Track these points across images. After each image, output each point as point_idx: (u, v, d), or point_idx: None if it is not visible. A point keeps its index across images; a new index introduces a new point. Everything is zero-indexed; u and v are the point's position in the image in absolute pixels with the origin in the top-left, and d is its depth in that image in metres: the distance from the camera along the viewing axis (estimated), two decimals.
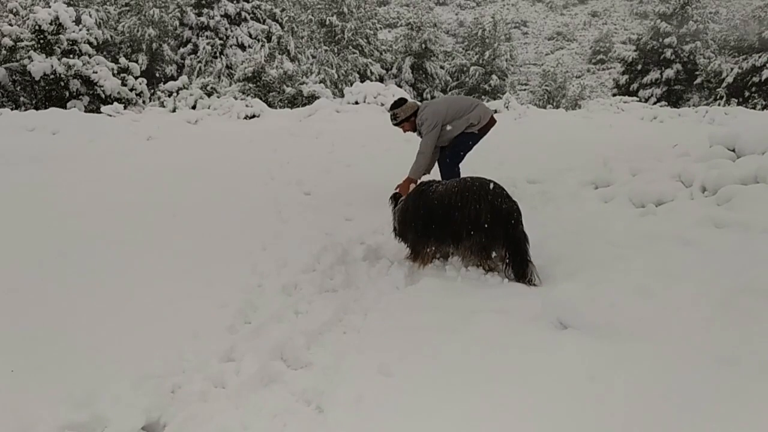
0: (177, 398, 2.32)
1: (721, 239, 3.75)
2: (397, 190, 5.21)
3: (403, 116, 5.49)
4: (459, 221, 3.54)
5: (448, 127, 5.42)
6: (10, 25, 18.90)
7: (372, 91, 15.09)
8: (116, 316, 3.00)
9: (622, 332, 2.40)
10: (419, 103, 5.61)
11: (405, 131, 5.69)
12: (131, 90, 19.67)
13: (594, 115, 16.34)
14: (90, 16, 20.98)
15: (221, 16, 29.25)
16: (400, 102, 5.61)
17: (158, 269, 3.69)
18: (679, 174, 5.29)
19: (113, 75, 19.25)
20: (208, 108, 15.45)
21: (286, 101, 19.98)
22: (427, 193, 3.82)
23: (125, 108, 16.53)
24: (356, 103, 14.77)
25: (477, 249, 3.52)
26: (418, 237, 3.78)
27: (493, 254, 3.53)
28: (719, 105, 24.16)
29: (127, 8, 28.79)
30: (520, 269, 3.45)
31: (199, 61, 27.85)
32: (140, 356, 2.55)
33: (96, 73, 18.82)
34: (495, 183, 3.68)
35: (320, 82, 23.50)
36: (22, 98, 19.25)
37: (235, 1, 29.53)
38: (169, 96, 18.30)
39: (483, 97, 31.88)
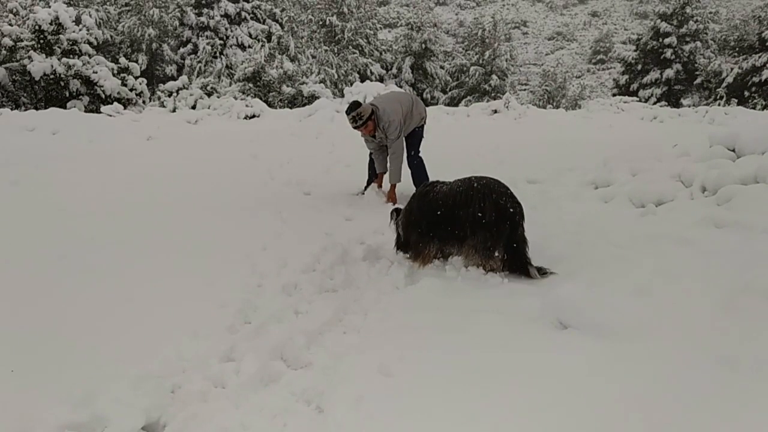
0: (177, 398, 2.31)
1: (721, 239, 3.75)
2: (388, 201, 5.54)
3: (366, 116, 5.48)
4: (463, 220, 3.54)
5: (407, 124, 5.72)
6: (10, 25, 18.89)
7: (372, 91, 15.08)
8: (116, 316, 3.00)
9: (622, 332, 2.40)
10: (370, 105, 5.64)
11: (366, 133, 5.64)
12: (131, 90, 19.66)
13: (594, 115, 16.34)
14: (90, 16, 20.98)
15: (221, 16, 29.24)
16: (358, 103, 5.56)
17: (158, 269, 3.69)
18: (679, 174, 5.29)
19: (113, 75, 19.25)
20: (208, 108, 15.46)
21: (286, 101, 19.99)
22: (431, 193, 3.82)
23: (125, 108, 16.53)
24: None
25: (481, 248, 3.51)
26: (422, 237, 3.77)
27: (496, 254, 3.53)
28: (719, 105, 24.14)
29: (127, 8, 28.78)
30: (522, 271, 3.48)
31: (199, 61, 27.84)
32: (140, 356, 2.55)
33: (96, 73, 18.82)
34: (499, 182, 3.68)
35: (320, 82, 23.48)
36: (22, 98, 19.25)
37: (235, 1, 29.53)
38: (169, 96, 18.30)
39: (483, 97, 31.84)
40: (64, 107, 15.49)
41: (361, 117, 5.46)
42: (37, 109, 14.69)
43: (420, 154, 5.90)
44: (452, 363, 2.36)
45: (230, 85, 21.89)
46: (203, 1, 29.50)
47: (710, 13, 36.34)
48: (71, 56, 18.80)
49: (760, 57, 28.84)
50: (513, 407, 2.03)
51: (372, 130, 5.60)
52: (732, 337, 2.35)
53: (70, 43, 18.84)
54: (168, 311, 3.05)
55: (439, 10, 56.58)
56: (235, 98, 17.17)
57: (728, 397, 1.96)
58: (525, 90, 44.88)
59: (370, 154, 6.09)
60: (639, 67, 34.38)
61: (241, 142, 10.10)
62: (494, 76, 34.75)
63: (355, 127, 5.58)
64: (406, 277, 3.62)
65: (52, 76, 18.45)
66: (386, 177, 5.95)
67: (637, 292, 2.69)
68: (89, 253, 3.93)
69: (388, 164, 5.75)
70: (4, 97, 18.79)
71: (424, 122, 5.99)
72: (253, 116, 13.84)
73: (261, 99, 17.03)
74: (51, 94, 18.93)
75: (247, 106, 14.26)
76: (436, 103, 29.64)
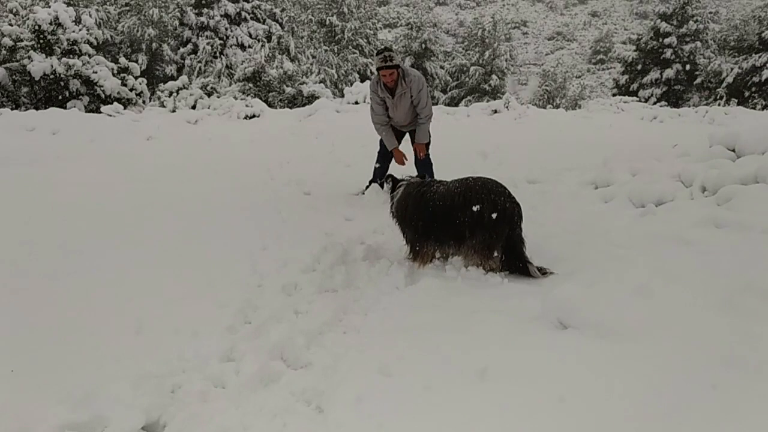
0: (177, 398, 2.32)
1: (721, 239, 3.75)
2: (421, 154, 5.77)
3: (397, 60, 5.46)
4: (461, 221, 3.54)
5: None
6: (10, 25, 18.88)
7: None
8: (116, 316, 3.00)
9: (622, 332, 2.40)
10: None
11: (389, 81, 5.51)
12: (131, 90, 19.64)
13: (594, 115, 16.32)
14: (90, 16, 20.96)
15: (221, 16, 29.22)
16: (390, 48, 5.64)
17: (158, 269, 3.69)
18: (679, 174, 5.29)
19: (113, 75, 19.22)
20: (208, 108, 15.42)
21: (286, 101, 19.97)
22: (429, 193, 3.82)
23: (125, 108, 16.49)
24: (356, 103, 14.75)
25: (480, 248, 3.52)
26: (419, 237, 3.77)
27: (495, 254, 3.54)
28: (719, 105, 24.13)
29: (127, 8, 28.78)
30: (521, 271, 3.50)
31: (199, 61, 27.83)
32: (140, 356, 2.55)
33: (96, 73, 18.80)
34: (497, 182, 3.68)
35: (320, 82, 23.46)
36: (22, 98, 19.24)
37: (235, 1, 29.52)
38: (169, 96, 18.26)
39: (483, 97, 31.83)
40: (64, 107, 15.47)
41: (391, 58, 5.43)
42: (37, 109, 14.66)
43: (429, 154, 5.89)
44: (452, 363, 2.36)
45: (230, 85, 21.87)
46: (203, 1, 29.49)
47: (710, 13, 36.33)
48: (71, 56, 18.78)
49: (760, 57, 28.80)
50: (513, 407, 2.03)
51: (395, 80, 5.51)
52: (732, 337, 2.35)
53: (70, 43, 18.82)
54: (168, 311, 3.06)
55: (439, 10, 56.59)
56: (235, 98, 17.14)
57: (728, 397, 1.96)
58: (525, 90, 44.89)
59: (378, 153, 6.04)
60: (639, 67, 34.36)
61: (241, 142, 10.10)
62: (494, 76, 34.76)
63: (380, 67, 5.46)
64: (406, 277, 3.62)
65: (52, 76, 18.44)
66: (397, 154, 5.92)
67: (637, 292, 2.69)
68: (89, 253, 3.93)
69: (418, 124, 5.71)
70: (4, 97, 18.76)
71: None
72: (253, 116, 13.80)
73: (261, 99, 16.99)
74: (51, 94, 18.91)
75: (247, 106, 14.23)
76: (436, 104, 29.60)
